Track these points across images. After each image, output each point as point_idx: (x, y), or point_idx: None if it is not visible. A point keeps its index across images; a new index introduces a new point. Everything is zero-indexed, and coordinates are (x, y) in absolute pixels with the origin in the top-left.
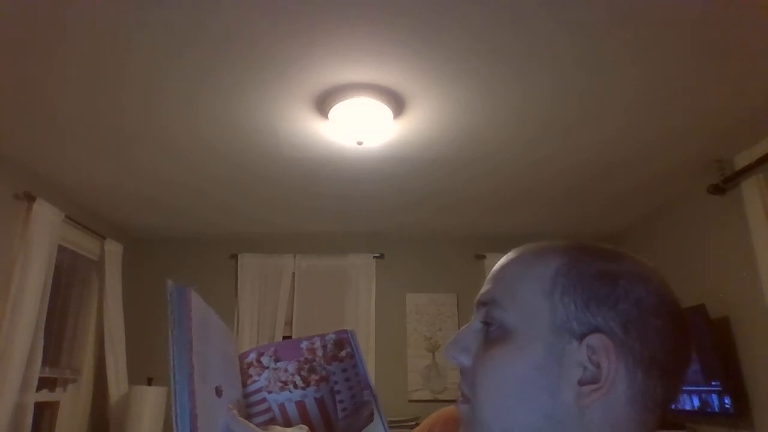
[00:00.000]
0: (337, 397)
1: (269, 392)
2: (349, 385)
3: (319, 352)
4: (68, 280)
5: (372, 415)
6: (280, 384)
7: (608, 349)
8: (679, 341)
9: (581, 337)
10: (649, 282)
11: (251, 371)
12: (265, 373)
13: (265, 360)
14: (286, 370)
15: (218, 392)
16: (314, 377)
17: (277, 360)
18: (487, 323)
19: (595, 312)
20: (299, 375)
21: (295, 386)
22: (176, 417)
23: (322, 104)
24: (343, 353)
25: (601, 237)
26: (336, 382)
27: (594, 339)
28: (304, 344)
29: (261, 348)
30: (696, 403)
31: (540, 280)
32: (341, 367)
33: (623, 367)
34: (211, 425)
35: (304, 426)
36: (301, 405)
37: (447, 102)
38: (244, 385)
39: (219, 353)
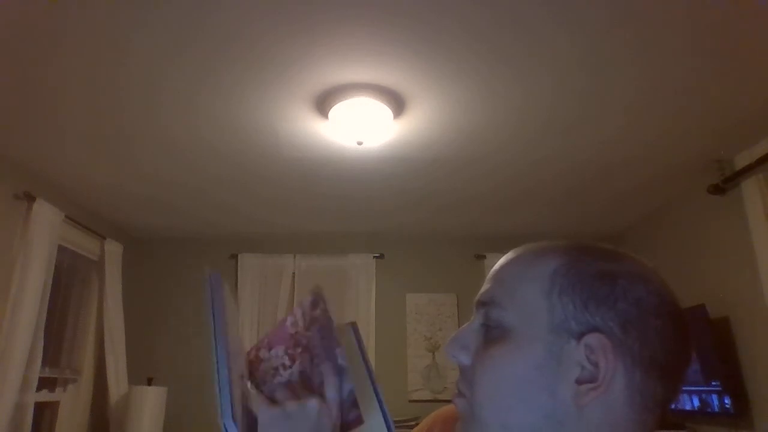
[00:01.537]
0: (317, 364)
1: (264, 383)
2: (327, 346)
3: (300, 322)
4: (68, 280)
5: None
6: (272, 371)
7: (606, 349)
8: (679, 342)
9: (579, 337)
10: (648, 282)
11: (251, 368)
12: (262, 366)
13: (262, 353)
14: (277, 356)
15: (242, 377)
16: (298, 350)
17: (270, 348)
18: (486, 323)
19: (594, 312)
20: (287, 354)
21: (284, 368)
22: (219, 391)
23: (322, 104)
24: (317, 311)
25: (601, 237)
26: (315, 347)
27: (592, 338)
28: (289, 321)
29: (258, 344)
30: (696, 403)
31: (539, 280)
32: (318, 330)
33: (621, 366)
34: (239, 405)
35: (316, 395)
36: (291, 386)
37: (447, 102)
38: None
39: (237, 341)
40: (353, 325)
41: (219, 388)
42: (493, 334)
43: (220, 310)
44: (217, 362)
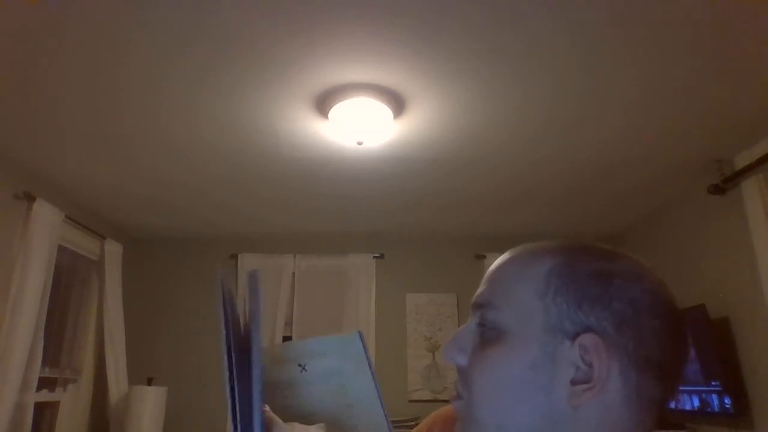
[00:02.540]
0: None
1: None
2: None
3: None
4: (68, 280)
5: None
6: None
7: (599, 349)
8: (676, 341)
9: (574, 337)
10: (645, 281)
11: None
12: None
13: None
14: None
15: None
16: None
17: None
18: (482, 324)
19: (588, 312)
20: None
21: None
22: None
23: (322, 104)
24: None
25: (601, 237)
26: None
27: (586, 339)
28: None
29: None
30: (696, 403)
31: (534, 281)
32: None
33: (616, 366)
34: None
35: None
36: None
37: (447, 102)
38: None
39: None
40: (359, 333)
41: (251, 402)
42: (489, 336)
43: (260, 309)
44: (252, 373)
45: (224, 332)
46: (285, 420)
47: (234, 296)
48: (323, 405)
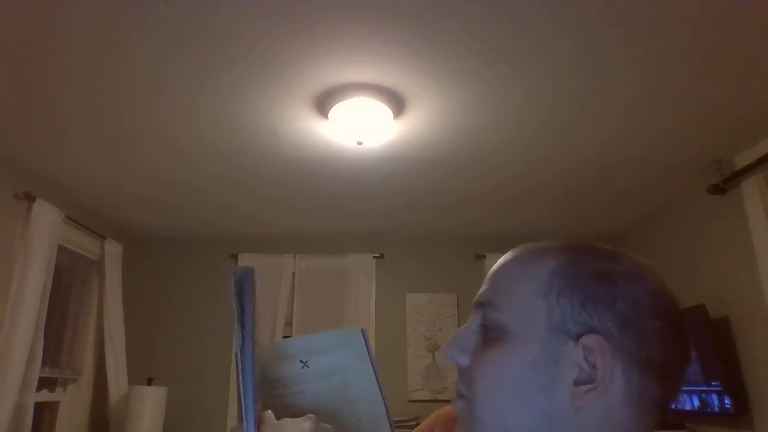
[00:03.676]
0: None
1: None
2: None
3: None
4: (68, 280)
5: None
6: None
7: (603, 350)
8: (677, 342)
9: (577, 338)
10: (646, 282)
11: None
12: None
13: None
14: None
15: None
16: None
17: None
18: (484, 324)
19: (592, 312)
20: None
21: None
22: (243, 403)
23: (322, 104)
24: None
25: (601, 237)
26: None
27: (590, 340)
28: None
29: None
30: (696, 403)
31: (537, 281)
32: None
33: (619, 367)
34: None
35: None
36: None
37: (447, 102)
38: None
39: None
40: (361, 330)
41: (243, 400)
42: (491, 335)
43: (251, 312)
44: (243, 372)
45: (239, 321)
46: (284, 417)
47: (252, 289)
48: (325, 401)
